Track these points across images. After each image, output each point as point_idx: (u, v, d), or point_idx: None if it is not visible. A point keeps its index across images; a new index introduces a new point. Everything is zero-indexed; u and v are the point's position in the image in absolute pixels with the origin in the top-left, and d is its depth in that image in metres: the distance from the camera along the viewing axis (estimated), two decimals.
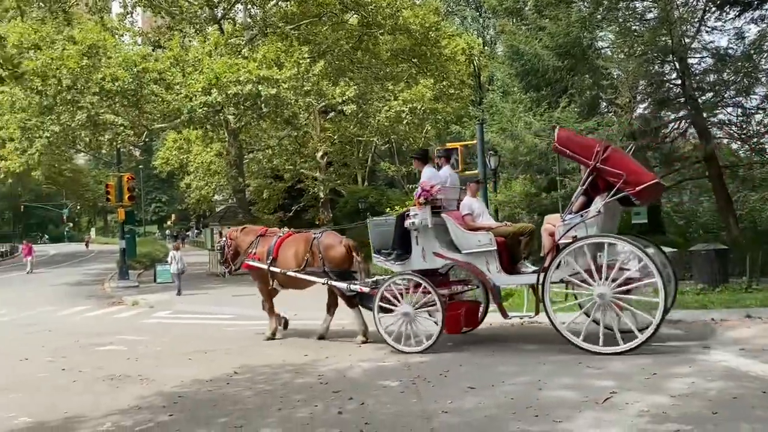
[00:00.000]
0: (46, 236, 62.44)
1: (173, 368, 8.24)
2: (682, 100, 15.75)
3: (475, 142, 14.86)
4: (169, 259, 20.12)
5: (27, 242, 37.58)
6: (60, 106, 19.90)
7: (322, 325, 9.89)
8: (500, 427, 5.18)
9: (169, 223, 56.80)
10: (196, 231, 60.26)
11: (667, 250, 12.56)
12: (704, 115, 15.52)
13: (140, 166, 55.09)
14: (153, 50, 24.48)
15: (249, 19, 27.69)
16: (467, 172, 16.09)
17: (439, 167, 9.35)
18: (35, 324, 13.52)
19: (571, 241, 7.64)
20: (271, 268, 9.82)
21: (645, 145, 15.76)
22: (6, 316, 15.21)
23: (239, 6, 28.01)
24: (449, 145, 16.07)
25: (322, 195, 32.62)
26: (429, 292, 8.23)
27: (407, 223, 8.56)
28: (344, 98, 21.78)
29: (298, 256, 9.65)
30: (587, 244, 7.52)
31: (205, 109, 20.01)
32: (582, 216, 7.72)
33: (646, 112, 16.80)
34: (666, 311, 7.86)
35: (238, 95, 19.73)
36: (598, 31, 16.82)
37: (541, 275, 7.73)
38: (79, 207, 63.78)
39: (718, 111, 16.05)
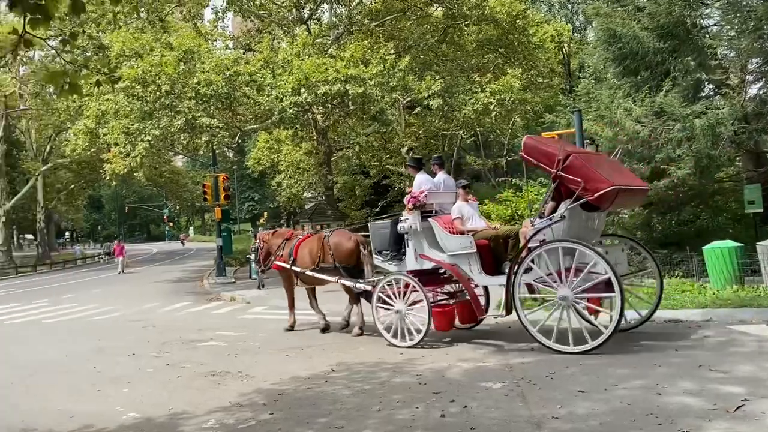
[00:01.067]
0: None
1: (272, 365, 8.31)
2: None
3: (570, 131, 14.18)
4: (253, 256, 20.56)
5: (118, 242, 39.76)
6: (159, 111, 20.81)
7: (344, 315, 10.86)
8: None
9: (261, 220, 58.56)
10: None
11: None
12: None
13: (234, 167, 56.91)
14: (244, 53, 25.18)
15: (335, 18, 27.95)
16: None
17: (434, 174, 9.91)
18: (141, 320, 14.13)
19: (539, 244, 7.97)
20: (293, 268, 10.78)
21: (759, 128, 14.53)
22: (116, 312, 16.02)
23: (325, 5, 28.35)
24: (544, 135, 15.38)
25: (407, 190, 32.47)
26: (418, 291, 8.83)
27: (399, 226, 9.24)
28: (430, 92, 21.53)
29: (312, 254, 10.54)
30: (551, 248, 7.82)
31: (295, 109, 20.33)
32: (551, 220, 8.02)
33: (760, 92, 15.48)
34: (653, 309, 8.61)
35: (326, 94, 19.92)
36: (704, 8, 15.63)
37: (511, 276, 8.09)
38: (178, 207, 67.08)
39: None
